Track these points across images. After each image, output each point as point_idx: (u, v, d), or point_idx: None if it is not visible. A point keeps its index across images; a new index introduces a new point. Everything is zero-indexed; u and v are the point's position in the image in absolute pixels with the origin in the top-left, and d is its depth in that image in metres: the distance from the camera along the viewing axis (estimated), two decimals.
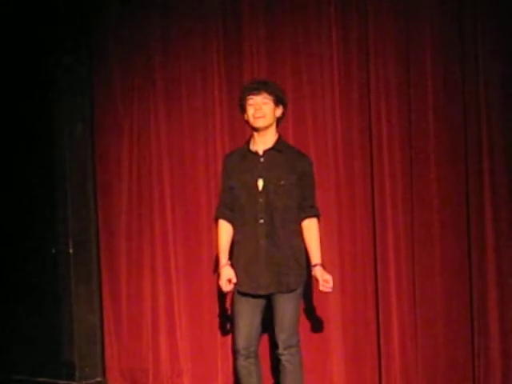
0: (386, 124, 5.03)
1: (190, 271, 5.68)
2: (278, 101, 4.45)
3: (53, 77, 5.99)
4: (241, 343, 4.49)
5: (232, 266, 4.49)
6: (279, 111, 4.48)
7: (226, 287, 4.47)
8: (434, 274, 4.92)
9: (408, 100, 4.97)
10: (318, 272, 4.36)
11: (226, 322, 5.48)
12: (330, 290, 4.38)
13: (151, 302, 5.84)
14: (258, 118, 4.40)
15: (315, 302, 5.20)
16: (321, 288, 4.38)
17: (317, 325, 5.24)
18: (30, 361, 6.07)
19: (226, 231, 4.54)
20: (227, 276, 4.45)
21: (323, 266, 4.40)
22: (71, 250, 5.93)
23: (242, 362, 4.52)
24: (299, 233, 4.45)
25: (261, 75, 5.36)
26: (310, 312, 5.23)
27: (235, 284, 4.46)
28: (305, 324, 5.25)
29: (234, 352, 4.61)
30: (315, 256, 4.41)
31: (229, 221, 4.53)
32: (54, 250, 6.01)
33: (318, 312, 5.23)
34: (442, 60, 4.88)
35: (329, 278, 4.34)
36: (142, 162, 5.88)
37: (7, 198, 6.21)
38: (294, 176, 4.41)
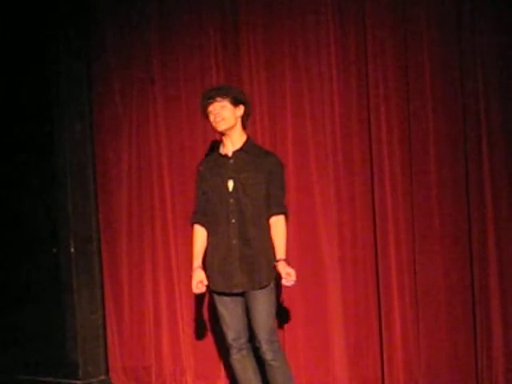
0: (384, 117, 5.06)
1: (191, 269, 5.69)
2: (236, 101, 4.58)
3: (51, 77, 6.00)
4: (230, 336, 4.60)
5: (206, 267, 4.62)
6: (240, 111, 4.60)
7: (197, 289, 4.60)
8: (436, 269, 4.95)
9: (407, 98, 5.00)
10: (281, 266, 4.43)
11: None
12: (292, 283, 4.43)
13: (153, 300, 5.86)
14: (219, 121, 4.55)
15: (315, 294, 5.26)
16: (283, 282, 4.43)
17: (318, 320, 5.28)
18: (34, 360, 6.07)
19: (200, 236, 4.67)
20: (198, 278, 4.58)
21: (287, 261, 4.47)
22: (73, 250, 5.94)
23: (234, 355, 4.62)
24: (269, 230, 4.55)
25: (259, 72, 5.42)
26: (311, 304, 5.28)
27: (207, 286, 4.59)
28: (306, 319, 5.29)
29: (227, 349, 4.69)
30: (280, 252, 4.49)
31: (203, 225, 4.66)
32: (55, 250, 6.02)
33: (320, 307, 5.27)
34: (441, 58, 4.91)
35: (291, 271, 4.41)
36: (141, 161, 5.90)
37: (8, 198, 6.22)
38: (261, 175, 4.52)
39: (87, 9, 6.04)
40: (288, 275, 4.39)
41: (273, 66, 5.39)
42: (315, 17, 5.26)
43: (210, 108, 4.58)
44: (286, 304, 5.29)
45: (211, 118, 4.59)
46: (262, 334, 4.49)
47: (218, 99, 4.55)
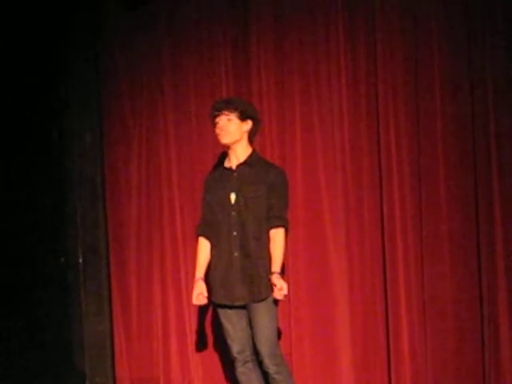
0: (394, 129, 5.07)
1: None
2: (244, 116, 4.58)
3: (61, 88, 6.03)
4: (235, 348, 4.61)
5: (209, 280, 4.64)
6: (247, 126, 4.60)
7: (197, 300, 4.63)
8: (444, 277, 4.94)
9: (416, 110, 5.01)
10: (275, 279, 4.42)
11: None
12: (282, 297, 4.44)
13: (161, 310, 5.85)
14: (222, 135, 4.56)
15: (323, 307, 5.25)
16: (274, 294, 4.44)
17: (326, 333, 5.27)
18: (40, 370, 6.05)
19: (204, 248, 4.69)
20: (199, 290, 4.60)
21: (281, 274, 4.47)
22: (81, 260, 5.96)
23: (239, 368, 4.63)
24: (269, 242, 4.54)
25: (269, 84, 5.43)
26: (319, 317, 5.27)
27: (209, 298, 4.60)
28: (313, 329, 5.28)
29: (232, 362, 4.69)
30: (275, 264, 4.48)
31: (207, 238, 4.68)
32: (63, 260, 6.02)
33: (327, 321, 5.27)
34: (450, 64, 4.92)
35: (284, 285, 4.40)
36: (151, 172, 5.90)
37: (17, 208, 6.22)
38: (263, 187, 4.53)
39: (98, 20, 6.06)
40: (280, 289, 4.39)
41: (282, 78, 5.39)
42: (325, 29, 5.27)
43: (217, 120, 4.59)
44: (292, 317, 5.28)
45: (216, 129, 4.60)
46: (264, 348, 4.50)
47: (226, 112, 4.56)
